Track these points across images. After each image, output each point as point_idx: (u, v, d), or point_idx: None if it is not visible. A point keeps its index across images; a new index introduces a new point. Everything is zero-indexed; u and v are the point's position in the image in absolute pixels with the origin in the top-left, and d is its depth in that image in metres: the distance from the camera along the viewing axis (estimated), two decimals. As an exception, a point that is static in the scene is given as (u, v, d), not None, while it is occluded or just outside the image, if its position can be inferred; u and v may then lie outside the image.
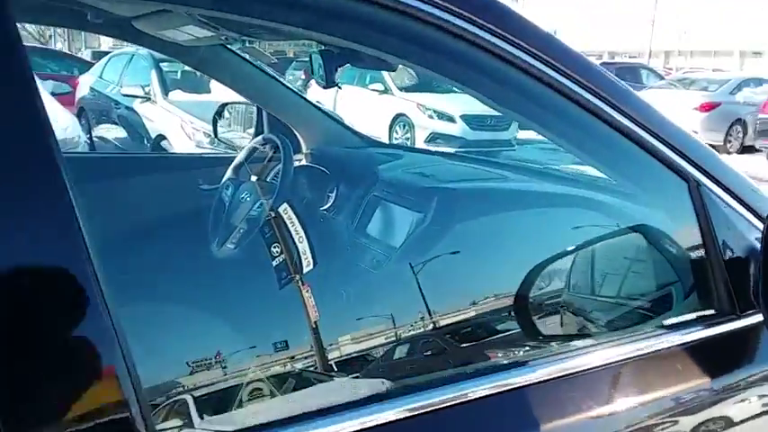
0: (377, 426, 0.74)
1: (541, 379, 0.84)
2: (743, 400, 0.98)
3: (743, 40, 35.88)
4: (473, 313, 1.25)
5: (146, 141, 6.54)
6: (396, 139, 9.24)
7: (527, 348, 1.13)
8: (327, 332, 1.23)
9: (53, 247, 0.60)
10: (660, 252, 1.07)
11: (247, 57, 1.87)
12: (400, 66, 1.23)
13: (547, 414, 0.83)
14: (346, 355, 1.23)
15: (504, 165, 2.09)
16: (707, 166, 1.00)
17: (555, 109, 0.95)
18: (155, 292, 1.39)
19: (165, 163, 2.50)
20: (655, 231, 1.08)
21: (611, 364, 0.90)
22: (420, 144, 8.81)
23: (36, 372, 0.59)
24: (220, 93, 2.64)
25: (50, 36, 20.70)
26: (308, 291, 1.30)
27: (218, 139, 2.27)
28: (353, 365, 1.22)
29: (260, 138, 1.73)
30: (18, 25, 0.63)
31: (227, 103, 2.24)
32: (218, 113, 2.20)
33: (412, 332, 1.24)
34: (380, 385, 1.11)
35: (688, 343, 0.96)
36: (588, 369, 0.88)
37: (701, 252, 1.01)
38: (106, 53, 10.05)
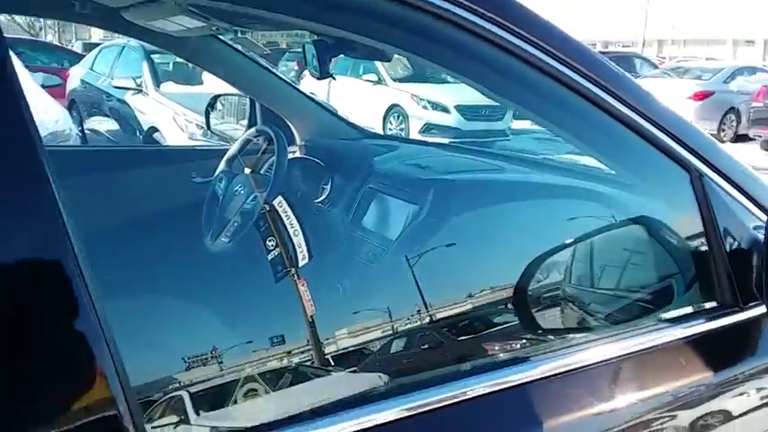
0: (375, 426, 0.72)
1: (543, 375, 0.83)
2: (747, 394, 0.97)
3: (736, 29, 35.91)
4: (471, 306, 1.24)
5: (138, 134, 6.49)
6: (390, 130, 9.22)
7: (527, 342, 1.11)
8: (324, 326, 1.22)
9: (35, 243, 0.58)
10: (661, 244, 1.05)
11: (240, 48, 1.85)
12: (394, 56, 1.21)
13: (549, 411, 0.81)
14: (343, 349, 1.22)
15: (501, 155, 2.07)
16: (709, 156, 0.98)
17: (555, 98, 0.93)
18: (148, 287, 1.37)
19: (158, 155, 2.48)
20: (655, 222, 1.07)
21: (613, 359, 0.89)
22: (414, 135, 8.79)
23: (19, 371, 0.57)
24: (213, 84, 2.61)
25: (41, 28, 20.56)
26: (303, 284, 1.28)
27: (211, 131, 2.25)
28: (350, 360, 1.21)
29: (253, 129, 1.71)
30: (6, 17, 0.60)
31: (219, 95, 2.22)
32: (211, 105, 2.18)
33: (409, 326, 1.23)
34: (378, 380, 1.09)
35: (691, 336, 0.95)
36: (590, 365, 0.87)
37: (703, 244, 1.00)
38: (97, 45, 9.97)
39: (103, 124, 7.20)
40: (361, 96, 8.99)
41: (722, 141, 10.82)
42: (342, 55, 1.25)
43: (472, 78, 0.94)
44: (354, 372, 1.18)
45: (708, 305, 1.00)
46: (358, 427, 0.71)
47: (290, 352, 1.21)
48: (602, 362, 0.88)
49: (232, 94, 2.20)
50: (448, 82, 9.34)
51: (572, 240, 1.10)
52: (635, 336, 0.94)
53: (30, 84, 5.17)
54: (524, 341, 1.12)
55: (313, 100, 2.06)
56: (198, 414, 1.06)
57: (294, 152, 1.94)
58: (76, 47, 14.43)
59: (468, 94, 8.70)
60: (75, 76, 8.43)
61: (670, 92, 10.19)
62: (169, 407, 1.07)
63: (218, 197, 1.60)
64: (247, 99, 2.10)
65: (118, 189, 1.81)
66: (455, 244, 1.38)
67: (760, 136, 10.27)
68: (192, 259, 1.53)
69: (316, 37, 1.23)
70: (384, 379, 1.08)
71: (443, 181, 1.66)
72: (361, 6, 0.84)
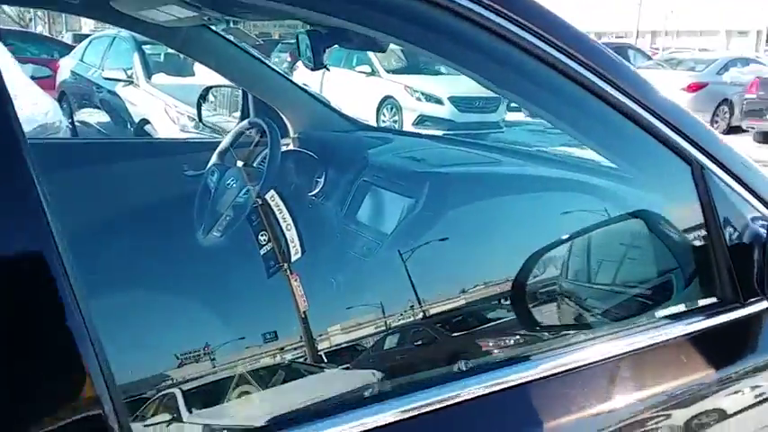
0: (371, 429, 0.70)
1: (541, 375, 0.81)
2: (748, 391, 0.96)
3: (729, 20, 35.96)
4: (467, 302, 1.22)
5: (129, 126, 6.44)
6: (383, 121, 9.19)
7: (525, 340, 1.10)
8: (317, 322, 1.21)
9: (16, 239, 0.57)
10: (660, 238, 1.04)
11: (232, 38, 1.82)
12: (388, 47, 1.18)
13: (548, 411, 0.80)
14: (337, 345, 1.20)
15: (496, 148, 2.06)
16: (711, 148, 0.97)
17: (554, 89, 0.91)
18: (139, 282, 1.35)
19: (149, 148, 2.46)
20: (654, 216, 1.05)
21: (612, 357, 0.87)
22: (408, 127, 8.77)
23: None
24: (205, 75, 2.58)
25: (30, 19, 20.39)
26: (296, 280, 1.27)
27: (203, 124, 2.23)
28: (344, 357, 1.19)
29: (246, 122, 1.68)
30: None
31: (211, 87, 2.20)
32: (203, 97, 2.16)
33: (404, 322, 1.21)
34: (372, 377, 1.08)
35: (692, 333, 0.93)
36: (589, 364, 0.85)
37: (704, 238, 0.98)
38: (87, 36, 9.88)
39: (94, 116, 7.15)
40: (354, 88, 8.95)
41: (715, 133, 10.83)
42: (336, 45, 1.23)
43: (469, 68, 0.92)
44: (348, 369, 1.16)
45: (708, 301, 0.99)
46: (352, 431, 0.69)
47: (282, 348, 1.19)
48: (601, 360, 0.86)
49: (224, 86, 2.17)
50: (441, 73, 9.32)
51: (569, 235, 1.08)
52: (634, 333, 0.92)
53: (19, 75, 5.12)
54: (522, 338, 1.11)
55: (306, 91, 2.04)
56: (190, 412, 1.05)
57: (287, 145, 1.91)
58: (67, 38, 14.32)
59: (461, 86, 8.69)
60: (66, 67, 8.37)
61: (663, 83, 10.13)
62: (161, 405, 1.06)
63: (210, 190, 1.58)
64: (240, 91, 2.07)
65: (109, 182, 1.78)
66: (452, 238, 1.36)
67: (753, 128, 10.29)
68: (184, 254, 1.51)
69: (309, 27, 1.21)
70: (378, 376, 1.07)
71: (439, 174, 1.64)
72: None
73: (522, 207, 1.41)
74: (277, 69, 2.03)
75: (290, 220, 1.33)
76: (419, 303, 1.21)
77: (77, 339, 0.57)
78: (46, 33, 16.91)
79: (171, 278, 1.38)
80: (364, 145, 1.87)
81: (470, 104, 8.89)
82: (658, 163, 0.99)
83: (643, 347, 0.90)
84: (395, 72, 9.51)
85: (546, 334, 1.05)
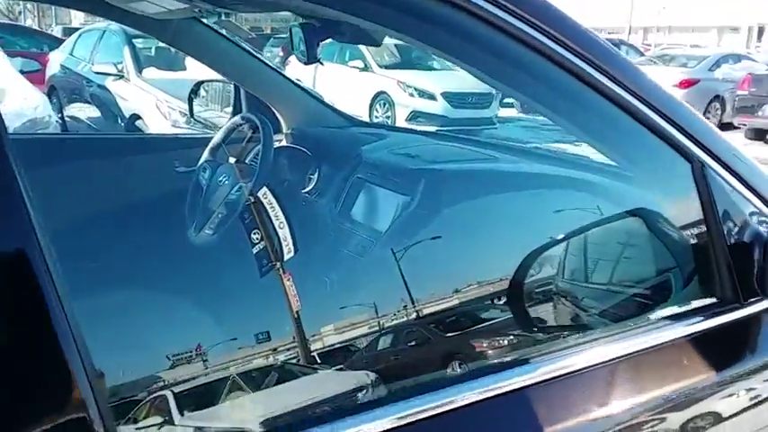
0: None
1: (541, 378, 0.79)
2: (749, 392, 0.95)
3: (720, 16, 36.09)
4: (463, 302, 1.20)
5: (119, 121, 6.39)
6: (376, 117, 9.16)
7: (523, 342, 1.08)
8: (311, 322, 1.19)
9: None
10: (659, 237, 1.02)
11: (224, 32, 1.80)
12: (381, 42, 1.16)
13: (547, 417, 0.78)
14: (330, 346, 1.19)
15: (491, 144, 2.04)
16: (712, 146, 0.95)
17: (553, 83, 0.89)
18: (129, 281, 1.33)
19: (140, 144, 2.43)
20: (653, 214, 1.03)
21: (610, 360, 0.86)
22: (401, 122, 8.75)
23: None
24: (196, 70, 2.55)
25: (20, 12, 20.21)
26: (289, 279, 1.25)
27: (195, 119, 2.20)
28: (338, 357, 1.18)
29: (238, 117, 1.66)
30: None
31: (203, 81, 2.17)
32: (194, 92, 2.14)
33: (399, 322, 1.19)
34: (365, 378, 1.06)
35: (691, 334, 0.92)
36: (586, 367, 0.83)
37: (704, 237, 0.97)
38: (77, 29, 9.78)
39: (84, 111, 7.09)
40: (346, 83, 8.91)
41: (707, 129, 10.86)
42: (330, 39, 1.21)
43: (464, 60, 0.90)
44: (342, 370, 1.14)
45: (707, 301, 0.97)
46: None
47: (275, 349, 1.17)
48: (598, 364, 0.85)
49: (216, 81, 2.15)
50: (434, 69, 9.30)
51: (566, 234, 1.06)
52: (633, 335, 0.91)
53: (8, 69, 5.07)
54: (520, 340, 1.09)
55: (299, 87, 2.01)
56: (182, 414, 1.03)
57: (280, 141, 1.89)
58: (56, 31, 14.21)
59: (454, 82, 8.67)
60: (55, 61, 8.28)
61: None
62: (151, 407, 1.04)
63: (202, 187, 1.56)
64: (232, 85, 2.05)
65: (99, 178, 1.76)
66: (448, 236, 1.35)
67: (745, 124, 10.32)
68: (175, 252, 1.48)
69: (303, 20, 1.18)
70: (373, 378, 1.05)
71: (435, 171, 1.62)
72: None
73: (519, 204, 1.39)
74: (270, 64, 2.00)
75: (282, 218, 1.31)
76: (415, 303, 1.19)
77: (60, 340, 0.55)
78: (35, 27, 16.77)
79: (161, 277, 1.35)
80: (358, 141, 1.85)
81: (463, 100, 8.87)
82: (658, 160, 0.98)
83: (642, 349, 0.88)
84: (388, 67, 9.48)
85: (544, 336, 1.04)
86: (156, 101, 6.00)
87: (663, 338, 0.90)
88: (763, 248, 0.95)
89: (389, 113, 9.20)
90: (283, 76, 1.99)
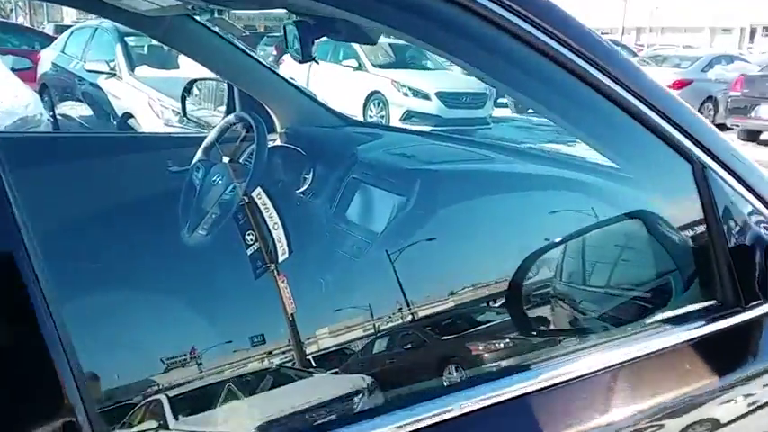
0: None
1: (541, 386, 0.78)
2: (751, 396, 0.93)
3: (713, 17, 36.27)
4: (459, 304, 1.19)
5: (111, 119, 6.34)
6: (370, 117, 9.14)
7: (521, 347, 1.07)
8: (305, 325, 1.18)
9: None
10: (659, 239, 1.01)
11: (217, 30, 1.77)
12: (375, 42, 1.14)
13: (549, 424, 0.77)
14: (325, 349, 1.17)
15: (487, 145, 2.02)
16: (713, 147, 0.94)
17: (556, 84, 0.88)
18: (121, 283, 1.31)
19: (132, 143, 2.41)
20: (653, 216, 1.02)
21: (611, 366, 0.84)
22: (395, 122, 8.73)
23: None
24: (189, 68, 2.53)
25: (11, 9, 20.09)
26: (284, 281, 1.23)
27: (188, 118, 2.18)
28: (333, 361, 1.16)
29: (232, 116, 1.64)
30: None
31: (196, 80, 2.15)
32: (187, 90, 2.11)
33: (395, 325, 1.18)
34: (361, 382, 1.05)
35: (692, 338, 0.91)
36: (585, 374, 0.82)
37: (705, 239, 0.96)
38: (69, 27, 9.72)
39: (76, 110, 7.04)
40: (340, 82, 8.89)
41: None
42: (325, 37, 1.19)
43: (460, 57, 0.89)
44: (337, 373, 1.13)
45: (708, 304, 0.96)
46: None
47: (270, 352, 1.16)
48: (600, 370, 0.83)
49: (209, 79, 2.13)
50: (429, 69, 9.29)
51: (564, 236, 1.05)
52: (634, 339, 0.89)
53: (-2, 67, 5.02)
54: (519, 345, 1.08)
55: (294, 85, 1.99)
56: (177, 419, 1.01)
57: (274, 140, 1.87)
58: (48, 29, 14.12)
59: (448, 82, 8.67)
60: (47, 59, 8.22)
61: (649, 80, 10.21)
62: (146, 411, 1.02)
63: (196, 187, 1.54)
64: (225, 84, 2.02)
65: (90, 178, 1.74)
66: (445, 238, 1.33)
67: (737, 125, 10.35)
68: (168, 253, 1.46)
69: (297, 18, 1.16)
70: (368, 381, 1.04)
71: (430, 172, 1.61)
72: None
73: (517, 206, 1.38)
74: (263, 62, 1.99)
75: (277, 219, 1.30)
76: (411, 306, 1.18)
77: (47, 344, 0.54)
78: (27, 24, 16.67)
79: (154, 278, 1.34)
80: (353, 141, 1.83)
81: (457, 100, 8.87)
82: (659, 161, 0.97)
83: (644, 354, 0.87)
84: (382, 67, 9.47)
85: (544, 340, 1.02)
86: (148, 99, 5.96)
87: (664, 343, 0.89)
88: (764, 251, 0.94)
89: (383, 113, 9.19)
90: (277, 74, 1.97)
